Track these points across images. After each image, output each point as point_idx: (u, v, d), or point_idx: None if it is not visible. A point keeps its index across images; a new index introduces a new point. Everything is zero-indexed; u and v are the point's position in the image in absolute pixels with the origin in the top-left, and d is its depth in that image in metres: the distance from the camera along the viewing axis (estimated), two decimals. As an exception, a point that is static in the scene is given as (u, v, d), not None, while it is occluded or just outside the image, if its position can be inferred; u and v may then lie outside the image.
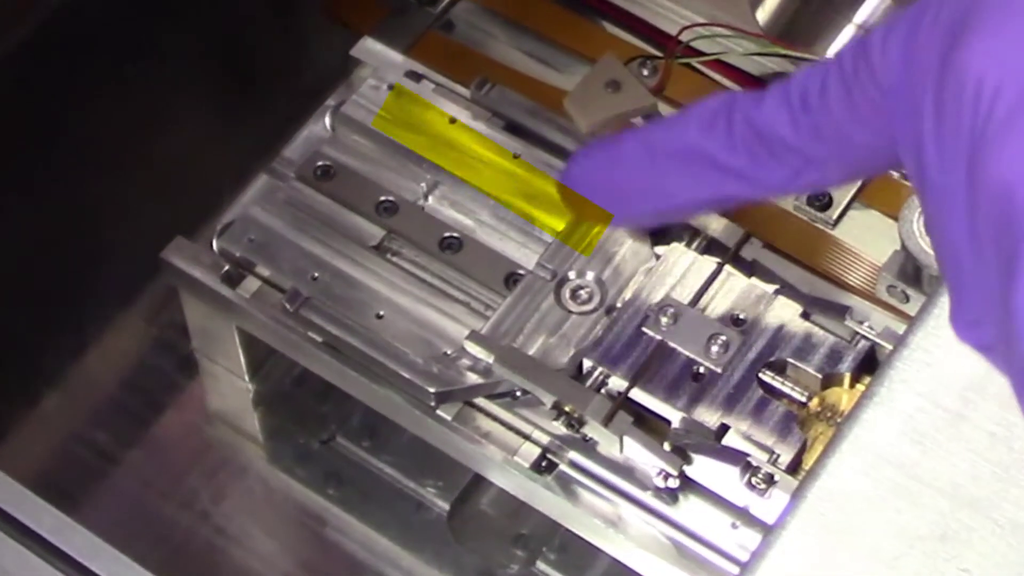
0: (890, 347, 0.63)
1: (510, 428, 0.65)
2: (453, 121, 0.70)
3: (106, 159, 0.73)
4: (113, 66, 0.72)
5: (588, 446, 0.64)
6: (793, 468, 0.62)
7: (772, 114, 0.50)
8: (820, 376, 0.63)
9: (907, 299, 0.64)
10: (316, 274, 0.67)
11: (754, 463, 0.62)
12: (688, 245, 0.66)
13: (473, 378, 0.64)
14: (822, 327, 0.64)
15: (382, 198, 0.69)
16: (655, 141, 0.54)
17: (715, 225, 0.66)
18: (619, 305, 0.65)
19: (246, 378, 0.74)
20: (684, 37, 0.72)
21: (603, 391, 0.63)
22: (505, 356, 0.63)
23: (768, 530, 0.60)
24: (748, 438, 0.62)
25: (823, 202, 0.67)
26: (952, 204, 0.45)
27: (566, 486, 0.64)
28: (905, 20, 0.48)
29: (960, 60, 0.44)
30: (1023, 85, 0.43)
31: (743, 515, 0.62)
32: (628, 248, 0.66)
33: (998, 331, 0.43)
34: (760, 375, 0.63)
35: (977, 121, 0.43)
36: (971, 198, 0.43)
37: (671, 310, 0.64)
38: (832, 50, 0.75)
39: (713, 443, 0.62)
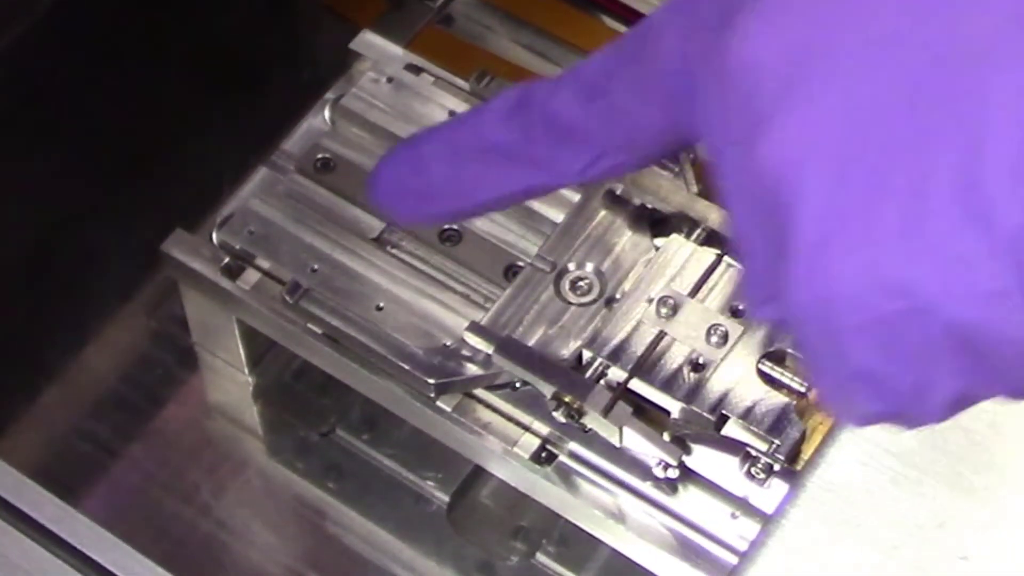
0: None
1: (510, 419, 0.65)
2: (452, 114, 0.70)
3: (105, 153, 0.73)
4: (112, 59, 0.72)
5: (588, 437, 0.64)
6: (792, 458, 0.62)
7: (564, 103, 0.50)
8: (819, 367, 0.63)
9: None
10: (316, 266, 0.67)
11: (753, 453, 0.62)
12: (687, 236, 0.66)
13: (473, 369, 0.64)
14: (821, 318, 0.64)
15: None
16: (457, 139, 0.53)
17: (714, 216, 0.66)
18: (619, 296, 0.65)
19: (246, 371, 0.74)
20: (683, 30, 0.72)
21: (603, 382, 0.63)
22: (505, 347, 0.63)
23: (767, 520, 0.60)
24: (747, 428, 0.62)
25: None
26: (735, 187, 0.45)
27: (566, 477, 0.64)
28: (683, 1, 0.48)
29: (729, 43, 0.44)
30: (789, 69, 0.43)
31: (743, 505, 0.62)
32: (627, 239, 0.66)
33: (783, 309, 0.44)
34: (759, 365, 0.63)
35: (748, 107, 0.44)
36: (748, 182, 0.44)
37: (671, 301, 0.64)
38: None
39: (713, 433, 0.62)
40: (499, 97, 0.52)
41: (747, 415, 0.62)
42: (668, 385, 0.63)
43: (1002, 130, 0.40)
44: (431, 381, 0.64)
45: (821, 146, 0.43)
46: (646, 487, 0.63)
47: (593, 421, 0.63)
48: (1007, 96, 0.41)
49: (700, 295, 0.65)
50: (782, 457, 0.62)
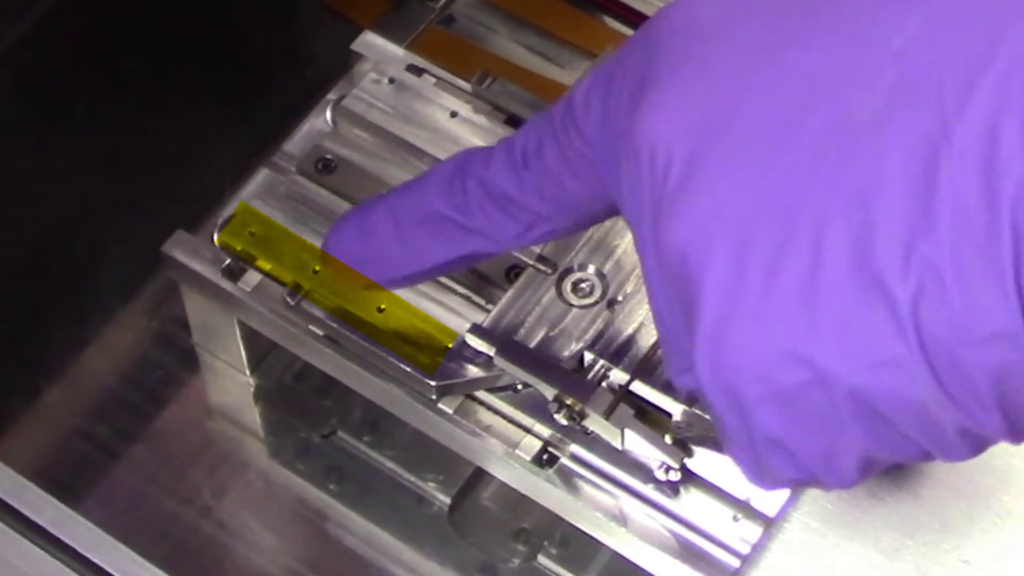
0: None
1: (511, 421, 0.65)
2: (454, 115, 0.70)
3: (106, 153, 0.73)
4: (112, 60, 0.72)
5: (589, 439, 0.64)
6: (794, 461, 0.62)
7: (498, 173, 0.52)
8: (821, 369, 0.63)
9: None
10: (317, 267, 0.67)
11: (755, 456, 0.61)
12: (689, 238, 0.66)
13: (474, 371, 0.64)
14: (823, 320, 0.64)
15: (383, 192, 0.69)
16: (399, 209, 0.55)
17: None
18: (620, 298, 0.65)
19: (247, 372, 0.74)
20: (685, 31, 0.72)
21: (604, 384, 0.63)
22: (506, 349, 0.63)
23: (769, 523, 0.60)
24: (749, 431, 0.62)
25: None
26: (648, 261, 0.46)
27: (567, 479, 0.64)
28: (602, 77, 0.48)
29: (635, 126, 0.45)
30: (691, 149, 0.44)
31: (744, 508, 0.62)
32: (629, 241, 0.66)
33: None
34: (761, 368, 0.63)
35: (654, 188, 0.45)
36: (659, 258, 0.45)
37: (672, 303, 0.64)
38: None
39: (715, 436, 0.62)
40: (438, 166, 0.54)
41: (749, 417, 0.62)
42: (670, 387, 0.62)
43: (893, 202, 0.41)
44: (432, 383, 0.64)
45: (721, 224, 0.43)
46: (648, 490, 0.63)
47: (595, 423, 0.63)
48: (897, 169, 0.41)
49: (702, 297, 0.64)
50: (784, 460, 0.62)
